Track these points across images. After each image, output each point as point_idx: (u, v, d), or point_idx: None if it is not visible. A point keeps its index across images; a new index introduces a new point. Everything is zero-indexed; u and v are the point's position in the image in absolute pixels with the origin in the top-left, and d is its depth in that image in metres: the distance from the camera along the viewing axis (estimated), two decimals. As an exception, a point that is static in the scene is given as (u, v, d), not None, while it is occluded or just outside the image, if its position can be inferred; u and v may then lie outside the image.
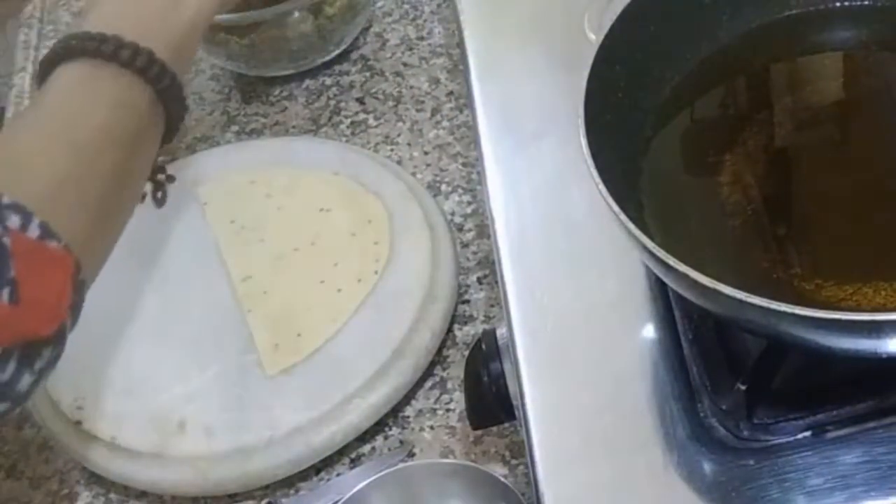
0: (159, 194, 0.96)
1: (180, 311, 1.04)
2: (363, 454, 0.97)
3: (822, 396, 0.76)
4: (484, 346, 0.87)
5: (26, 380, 0.72)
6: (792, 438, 0.75)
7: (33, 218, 0.71)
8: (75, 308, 0.75)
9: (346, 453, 0.97)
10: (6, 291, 0.68)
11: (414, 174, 1.14)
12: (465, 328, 1.03)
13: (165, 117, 0.85)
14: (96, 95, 0.81)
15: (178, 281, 1.06)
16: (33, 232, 0.71)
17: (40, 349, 0.72)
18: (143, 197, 0.94)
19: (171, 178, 0.97)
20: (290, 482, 0.97)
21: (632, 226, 0.71)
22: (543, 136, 0.94)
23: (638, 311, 0.83)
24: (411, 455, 0.96)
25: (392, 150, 1.18)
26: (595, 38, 0.82)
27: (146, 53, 0.81)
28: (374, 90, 1.24)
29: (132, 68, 0.81)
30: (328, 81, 1.26)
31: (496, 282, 0.91)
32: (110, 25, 0.82)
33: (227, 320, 1.02)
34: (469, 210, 1.11)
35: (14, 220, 0.70)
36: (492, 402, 0.86)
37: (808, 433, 0.75)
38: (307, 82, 1.26)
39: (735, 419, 0.76)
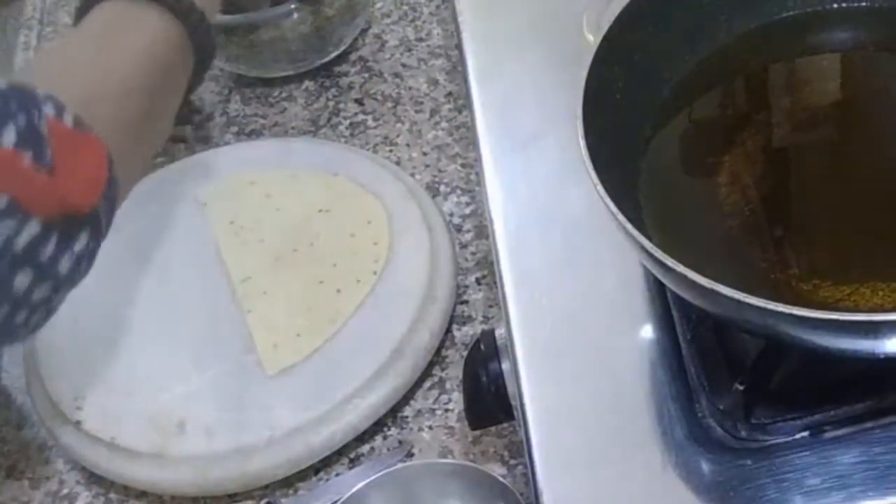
0: (195, 124, 1.00)
1: (180, 311, 1.04)
2: (362, 454, 0.98)
3: (820, 397, 0.76)
4: (482, 347, 0.87)
5: (66, 262, 0.74)
6: (790, 438, 0.75)
7: (67, 109, 0.74)
8: (108, 204, 0.78)
9: (345, 453, 0.97)
10: (44, 170, 0.71)
11: (413, 175, 1.14)
12: (464, 328, 1.03)
13: (195, 54, 0.90)
14: (130, 27, 0.86)
15: (178, 281, 1.06)
16: (67, 121, 0.74)
17: (78, 229, 0.75)
18: (185, 141, 0.97)
19: (209, 117, 0.99)
20: (290, 482, 0.97)
21: (630, 226, 0.71)
22: (542, 137, 0.94)
23: (636, 311, 0.83)
24: (410, 455, 0.96)
25: (391, 150, 1.18)
26: (593, 39, 0.82)
27: None
28: (372, 91, 1.24)
29: (164, 4, 0.86)
30: (327, 83, 1.26)
31: (495, 282, 0.91)
32: None
33: (226, 320, 1.02)
34: (468, 211, 1.11)
35: (49, 109, 0.73)
36: (490, 402, 0.86)
37: (805, 433, 0.75)
38: (306, 83, 1.26)
39: (733, 419, 0.76)
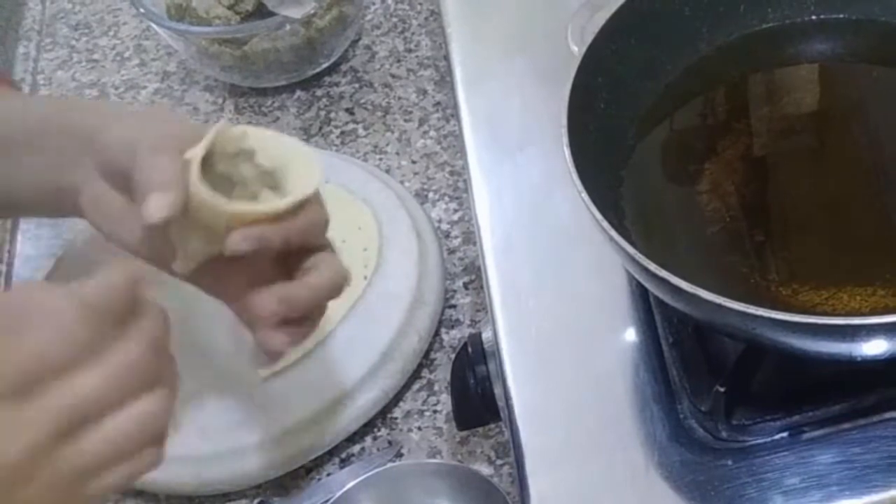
0: None
1: (175, 313, 1.04)
2: (353, 454, 0.98)
3: (799, 398, 0.77)
4: (470, 350, 0.87)
5: None
6: (769, 439, 0.76)
7: None
8: None
9: (336, 454, 0.98)
10: None
11: (402, 182, 1.15)
12: (452, 332, 1.04)
13: None
14: None
15: (173, 284, 1.06)
16: None
17: None
18: None
19: None
20: (282, 482, 0.97)
21: (613, 232, 0.72)
22: (528, 146, 0.95)
23: (620, 315, 0.84)
24: (399, 455, 0.97)
25: (381, 159, 1.19)
26: (578, 50, 0.83)
27: None
28: (363, 101, 1.25)
29: None
30: (319, 92, 1.26)
31: (482, 287, 0.92)
32: None
33: (220, 323, 1.02)
34: (455, 217, 1.12)
35: None
36: (477, 403, 0.87)
37: (784, 434, 0.76)
38: (298, 93, 1.27)
39: (714, 420, 0.77)
